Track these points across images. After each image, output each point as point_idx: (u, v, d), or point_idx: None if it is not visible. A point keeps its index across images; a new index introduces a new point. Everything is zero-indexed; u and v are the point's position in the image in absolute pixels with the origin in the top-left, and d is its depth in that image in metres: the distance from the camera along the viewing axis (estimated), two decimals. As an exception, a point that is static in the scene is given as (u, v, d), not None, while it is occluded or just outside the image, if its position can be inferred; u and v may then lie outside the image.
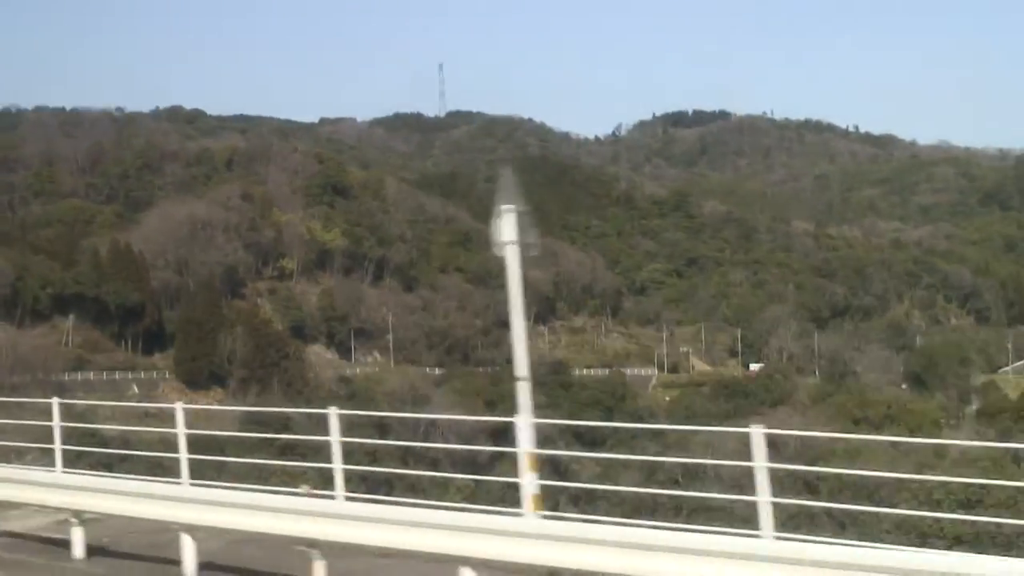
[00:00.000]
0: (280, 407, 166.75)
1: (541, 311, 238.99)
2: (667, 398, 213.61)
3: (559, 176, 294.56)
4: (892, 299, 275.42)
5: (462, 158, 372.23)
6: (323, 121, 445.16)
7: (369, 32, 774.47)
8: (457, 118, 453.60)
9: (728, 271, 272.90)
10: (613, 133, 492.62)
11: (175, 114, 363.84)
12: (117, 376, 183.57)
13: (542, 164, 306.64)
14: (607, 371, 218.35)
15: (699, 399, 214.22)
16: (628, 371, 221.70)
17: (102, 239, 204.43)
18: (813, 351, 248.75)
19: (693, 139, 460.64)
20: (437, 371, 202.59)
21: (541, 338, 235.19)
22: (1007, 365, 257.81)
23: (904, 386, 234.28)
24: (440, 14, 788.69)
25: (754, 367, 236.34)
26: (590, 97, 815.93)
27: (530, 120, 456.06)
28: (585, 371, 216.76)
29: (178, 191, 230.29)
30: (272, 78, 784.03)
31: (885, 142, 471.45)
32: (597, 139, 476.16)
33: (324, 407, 17.53)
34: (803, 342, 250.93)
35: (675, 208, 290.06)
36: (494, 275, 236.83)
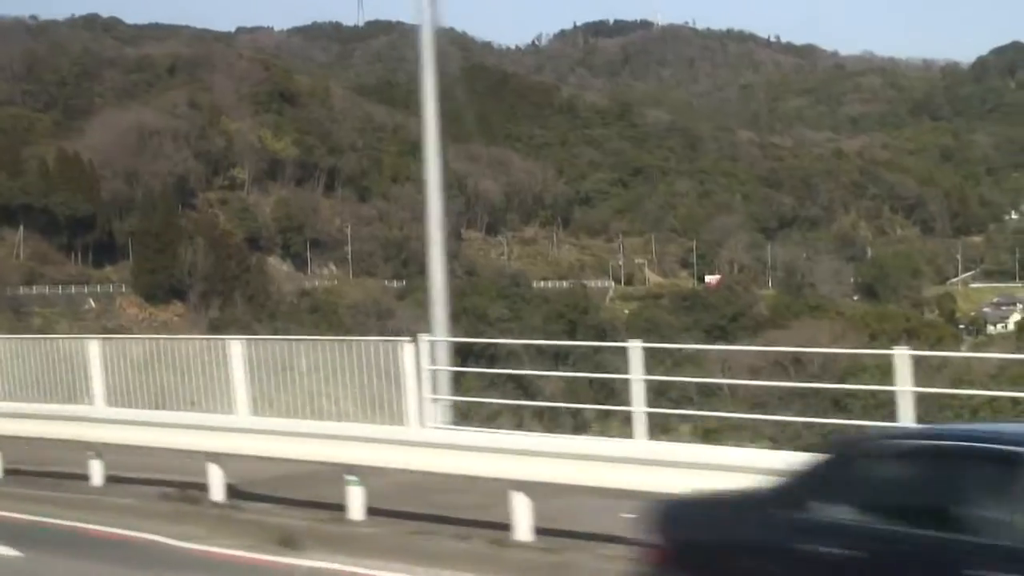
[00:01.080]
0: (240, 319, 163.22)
1: (493, 221, 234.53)
2: (625, 311, 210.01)
3: (499, 85, 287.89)
4: (838, 210, 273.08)
5: (384, 67, 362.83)
6: (240, 30, 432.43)
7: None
8: (376, 27, 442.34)
9: (674, 181, 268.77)
10: (533, 43, 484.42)
11: (91, 22, 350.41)
12: (73, 290, 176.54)
13: (481, 73, 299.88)
14: (565, 283, 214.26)
15: (658, 311, 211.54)
16: (584, 283, 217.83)
17: (45, 148, 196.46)
18: (766, 263, 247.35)
19: (616, 49, 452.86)
20: (395, 284, 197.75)
21: (495, 248, 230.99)
22: (955, 276, 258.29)
23: (856, 297, 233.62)
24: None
25: (709, 279, 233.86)
26: (508, 5, 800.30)
27: (451, 29, 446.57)
28: (542, 283, 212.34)
29: (119, 99, 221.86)
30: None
31: (807, 52, 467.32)
32: (518, 48, 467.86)
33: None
34: (754, 253, 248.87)
35: (619, 117, 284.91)
36: (448, 186, 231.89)
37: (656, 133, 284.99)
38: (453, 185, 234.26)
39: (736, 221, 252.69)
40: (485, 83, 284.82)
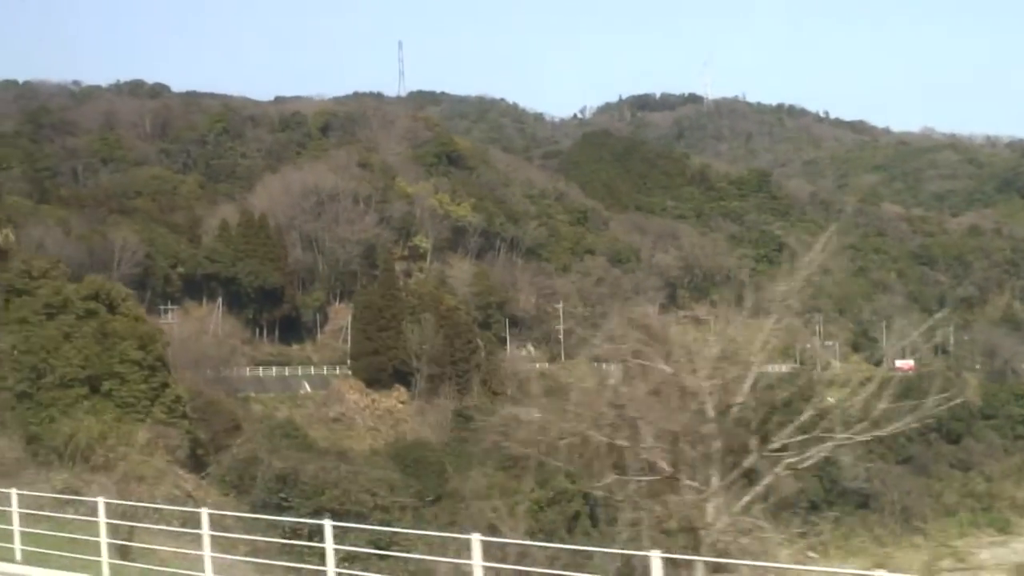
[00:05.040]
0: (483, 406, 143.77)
1: (665, 298, 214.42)
2: (830, 399, 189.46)
3: (625, 154, 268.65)
4: (991, 288, 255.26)
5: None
6: (278, 99, 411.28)
7: (323, 7, 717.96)
8: (419, 98, 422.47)
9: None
10: (575, 116, 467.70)
11: (137, 88, 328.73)
12: (287, 372, 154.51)
13: (605, 140, 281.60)
14: (785, 367, 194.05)
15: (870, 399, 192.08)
16: (773, 368, 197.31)
17: (208, 212, 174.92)
18: (938, 345, 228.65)
19: (667, 123, 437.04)
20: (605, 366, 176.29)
21: (677, 326, 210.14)
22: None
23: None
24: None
25: (901, 363, 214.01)
26: (550, 78, 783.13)
27: (502, 100, 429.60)
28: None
29: (267, 159, 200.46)
30: (224, 52, 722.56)
31: (860, 128, 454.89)
32: (563, 121, 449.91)
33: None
34: (925, 335, 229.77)
35: (756, 188, 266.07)
36: (624, 258, 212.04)
37: (797, 205, 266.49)
38: (630, 258, 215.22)
39: (896, 300, 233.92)
40: (610, 151, 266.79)
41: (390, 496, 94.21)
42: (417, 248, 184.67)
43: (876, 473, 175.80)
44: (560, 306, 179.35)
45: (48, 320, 75.91)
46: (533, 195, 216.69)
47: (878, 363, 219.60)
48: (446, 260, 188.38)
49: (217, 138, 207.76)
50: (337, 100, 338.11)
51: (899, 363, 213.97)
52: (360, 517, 79.61)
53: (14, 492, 26.95)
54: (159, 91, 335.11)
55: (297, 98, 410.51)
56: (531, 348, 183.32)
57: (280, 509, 76.18)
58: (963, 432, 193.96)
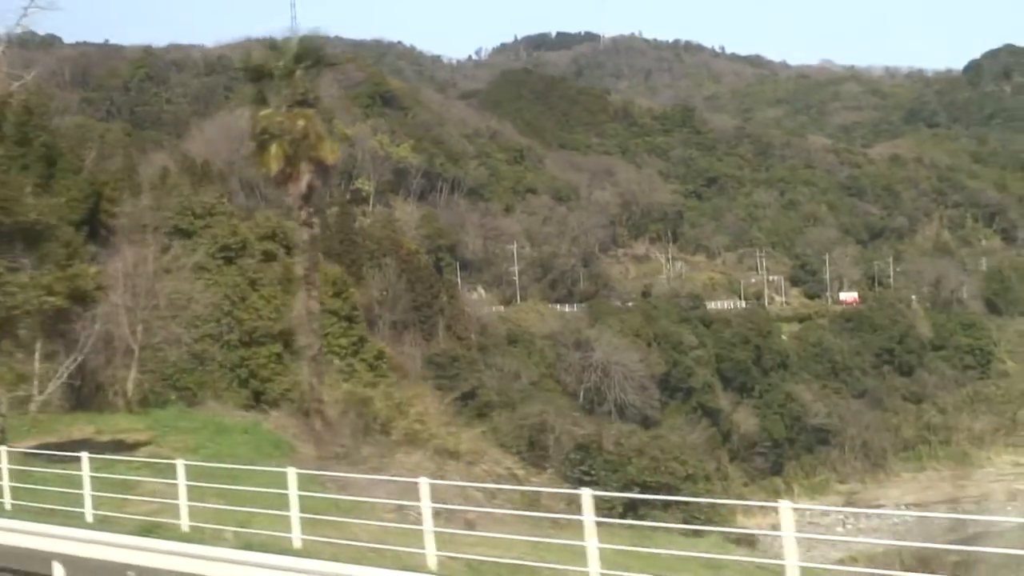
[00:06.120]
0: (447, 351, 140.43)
1: (604, 237, 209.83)
2: (783, 335, 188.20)
3: (546, 92, 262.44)
4: (919, 219, 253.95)
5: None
6: (171, 47, 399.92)
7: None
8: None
9: (751, 191, 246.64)
10: (470, 57, 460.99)
11: (27, 41, 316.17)
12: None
13: (526, 78, 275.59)
14: (743, 304, 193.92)
15: (822, 334, 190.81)
16: (714, 304, 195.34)
17: (140, 160, 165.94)
18: (873, 276, 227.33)
19: (564, 62, 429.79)
20: (568, 308, 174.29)
21: (618, 264, 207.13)
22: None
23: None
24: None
25: (845, 296, 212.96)
26: (445, 19, 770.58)
27: (399, 43, 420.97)
28: (717, 304, 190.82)
29: (194, 104, 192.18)
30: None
31: (758, 62, 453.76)
32: (460, 62, 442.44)
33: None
34: (860, 267, 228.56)
35: (681, 123, 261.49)
36: (564, 197, 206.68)
37: (724, 139, 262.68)
38: (571, 196, 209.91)
39: (829, 234, 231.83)
40: (531, 88, 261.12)
41: (698, 463, 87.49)
42: (360, 191, 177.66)
43: (834, 408, 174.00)
44: (513, 247, 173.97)
45: (227, 265, 66.38)
46: (468, 135, 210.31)
47: (813, 297, 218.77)
48: (388, 203, 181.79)
49: (140, 84, 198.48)
50: (230, 47, 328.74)
51: (843, 296, 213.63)
52: (671, 489, 72.81)
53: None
54: (51, 42, 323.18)
55: (190, 46, 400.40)
56: (482, 291, 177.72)
57: (582, 483, 68.60)
58: (915, 364, 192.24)
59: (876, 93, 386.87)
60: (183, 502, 23.55)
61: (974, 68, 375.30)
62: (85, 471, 25.44)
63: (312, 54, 46.02)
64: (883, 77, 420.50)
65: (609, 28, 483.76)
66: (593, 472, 77.16)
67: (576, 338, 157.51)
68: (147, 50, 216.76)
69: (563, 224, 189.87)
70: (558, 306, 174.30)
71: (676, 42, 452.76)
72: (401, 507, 23.96)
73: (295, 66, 44.83)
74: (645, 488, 68.82)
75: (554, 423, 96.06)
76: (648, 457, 79.88)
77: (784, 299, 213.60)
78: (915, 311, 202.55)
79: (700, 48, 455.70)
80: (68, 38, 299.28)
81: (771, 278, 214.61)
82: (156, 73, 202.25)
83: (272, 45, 47.36)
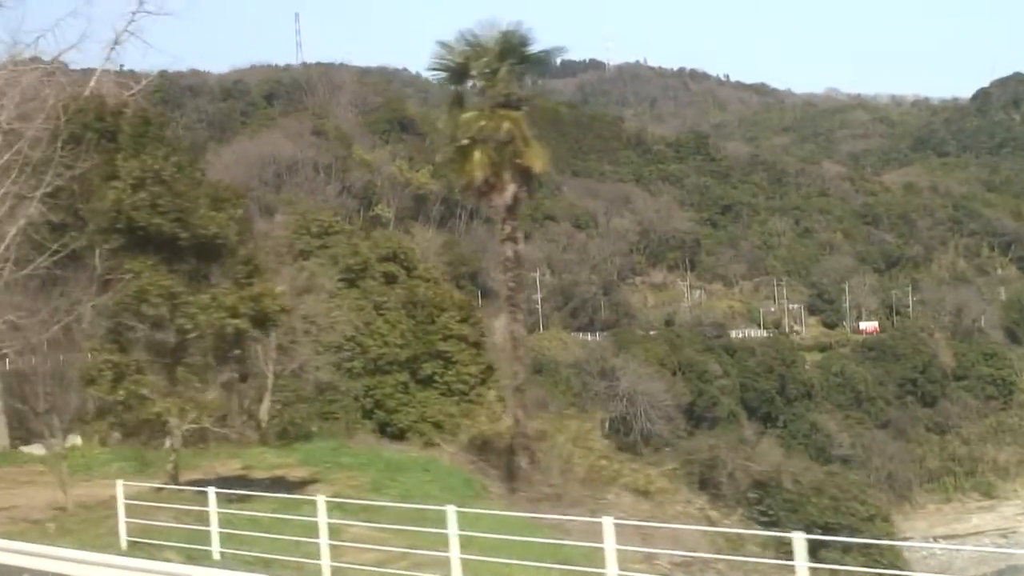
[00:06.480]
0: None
1: (623, 265, 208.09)
2: (807, 365, 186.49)
3: (559, 117, 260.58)
4: (935, 247, 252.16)
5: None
6: (174, 75, 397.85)
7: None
8: (318, 70, 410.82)
9: (766, 219, 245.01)
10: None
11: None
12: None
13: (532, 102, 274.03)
14: (764, 332, 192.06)
15: (846, 363, 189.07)
16: (735, 332, 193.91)
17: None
18: (890, 305, 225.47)
19: (570, 89, 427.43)
20: (590, 336, 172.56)
21: (637, 292, 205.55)
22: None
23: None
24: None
25: (865, 326, 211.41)
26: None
27: (404, 70, 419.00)
28: (740, 333, 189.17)
29: (209, 129, 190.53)
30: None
31: (763, 90, 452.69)
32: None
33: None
34: (878, 296, 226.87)
35: (695, 150, 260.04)
36: (583, 224, 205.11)
37: (739, 167, 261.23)
38: (589, 223, 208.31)
39: (846, 262, 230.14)
40: (542, 115, 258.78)
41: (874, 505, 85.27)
42: (379, 217, 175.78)
43: (858, 439, 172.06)
44: (536, 275, 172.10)
45: (348, 288, 63.94)
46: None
47: (832, 326, 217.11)
48: (408, 229, 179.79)
49: (156, 109, 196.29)
50: (244, 71, 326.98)
51: (863, 325, 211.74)
52: (853, 532, 70.58)
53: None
54: (52, 71, 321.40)
55: (195, 71, 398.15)
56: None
57: (759, 524, 66.57)
58: (938, 394, 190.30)
59: (884, 121, 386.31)
60: (455, 555, 20.21)
61: (982, 96, 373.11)
62: (267, 513, 23.10)
63: (516, 51, 42.88)
64: (889, 105, 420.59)
65: (614, 56, 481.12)
66: (771, 512, 74.94)
67: (601, 367, 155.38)
68: (163, 75, 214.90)
69: (583, 251, 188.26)
70: (580, 334, 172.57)
71: (681, 70, 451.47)
72: (649, 556, 21.78)
73: (499, 64, 42.26)
74: (827, 530, 66.82)
75: (725, 458, 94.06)
76: (827, 496, 78.01)
77: (803, 328, 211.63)
78: (937, 340, 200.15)
79: (705, 76, 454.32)
80: (75, 65, 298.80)
81: (790, 307, 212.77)
82: (172, 98, 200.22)
83: (471, 42, 43.34)
